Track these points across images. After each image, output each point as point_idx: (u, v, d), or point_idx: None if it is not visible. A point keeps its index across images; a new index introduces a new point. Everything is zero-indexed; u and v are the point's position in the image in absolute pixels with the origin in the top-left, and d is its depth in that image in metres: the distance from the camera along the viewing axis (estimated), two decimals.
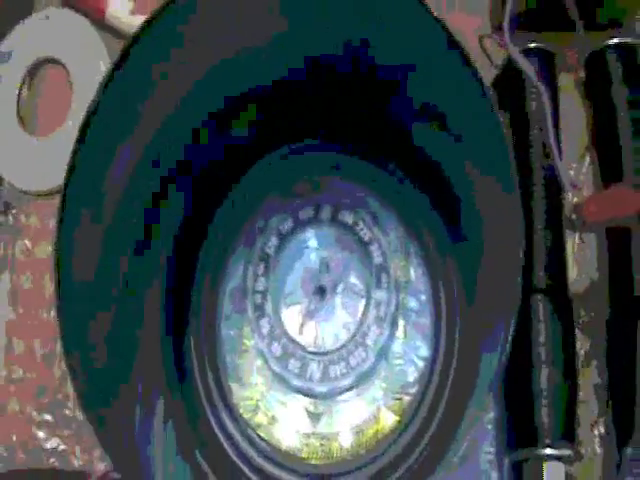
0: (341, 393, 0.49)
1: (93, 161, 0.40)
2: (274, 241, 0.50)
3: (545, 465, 0.43)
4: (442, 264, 0.48)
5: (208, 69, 0.42)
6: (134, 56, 0.39)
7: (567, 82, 0.49)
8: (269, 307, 0.49)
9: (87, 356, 0.39)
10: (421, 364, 0.48)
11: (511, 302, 0.36)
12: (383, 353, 0.48)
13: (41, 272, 0.56)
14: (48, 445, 0.53)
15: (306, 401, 0.49)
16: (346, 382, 0.48)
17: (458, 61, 0.36)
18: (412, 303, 0.49)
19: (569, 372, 0.44)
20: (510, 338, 0.35)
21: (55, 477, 0.51)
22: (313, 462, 0.48)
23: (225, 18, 0.40)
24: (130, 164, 0.42)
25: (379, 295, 0.48)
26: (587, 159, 0.49)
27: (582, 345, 0.47)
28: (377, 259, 0.49)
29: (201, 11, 0.39)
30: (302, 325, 0.50)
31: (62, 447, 0.53)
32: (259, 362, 0.50)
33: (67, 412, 0.54)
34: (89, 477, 0.47)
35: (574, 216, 0.46)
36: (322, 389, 0.48)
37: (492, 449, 0.47)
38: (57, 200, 0.53)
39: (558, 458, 0.42)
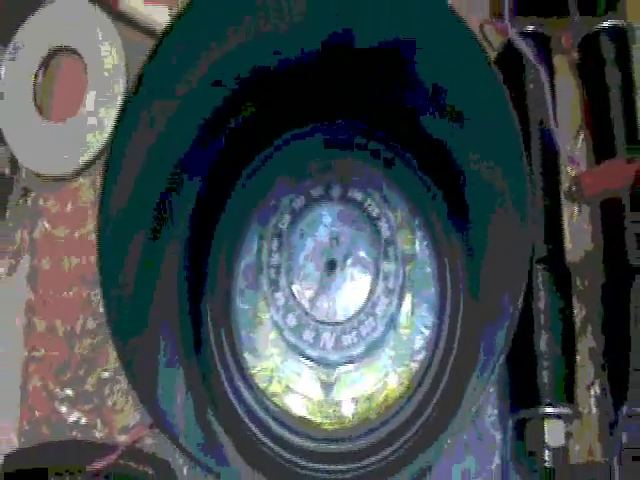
0: (352, 362, 0.51)
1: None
2: (287, 218, 0.52)
3: (546, 423, 0.45)
4: (447, 239, 0.51)
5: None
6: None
7: (561, 64, 0.52)
8: (283, 281, 0.52)
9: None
10: (427, 333, 0.50)
11: (518, 277, 0.39)
12: (392, 323, 0.51)
13: (60, 254, 0.57)
14: (70, 419, 0.55)
15: (319, 370, 0.51)
16: (357, 350, 0.50)
17: (464, 37, 0.38)
18: (418, 275, 0.51)
19: (567, 337, 0.47)
20: (517, 314, 0.38)
21: (81, 449, 0.52)
22: (326, 427, 0.50)
23: None
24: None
25: (387, 267, 0.51)
26: (581, 138, 0.52)
27: (578, 312, 0.49)
28: (385, 233, 0.51)
29: None
30: (315, 297, 0.52)
31: (84, 420, 0.54)
32: (273, 334, 0.52)
33: (88, 387, 0.55)
34: (116, 449, 0.49)
35: (573, 187, 0.49)
36: (335, 357, 0.51)
37: (495, 411, 0.50)
38: (74, 183, 0.56)
39: (558, 416, 0.45)
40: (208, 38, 0.43)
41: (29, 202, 0.59)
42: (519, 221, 0.39)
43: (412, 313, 0.51)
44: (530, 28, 0.50)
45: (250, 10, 0.42)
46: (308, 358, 0.51)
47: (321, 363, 0.51)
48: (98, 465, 0.47)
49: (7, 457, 0.51)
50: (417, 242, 0.52)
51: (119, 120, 0.41)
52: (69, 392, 0.55)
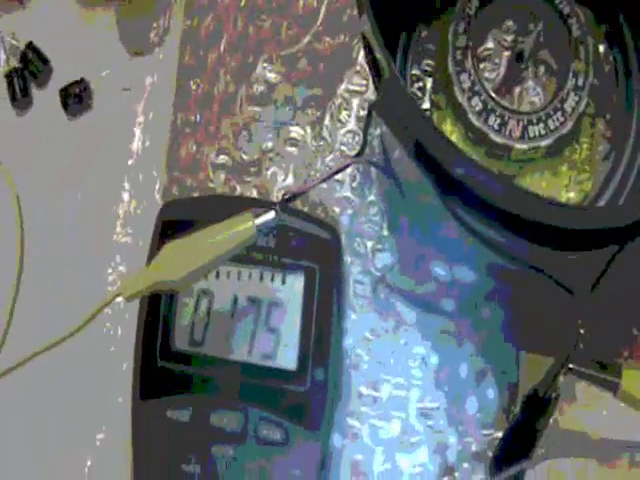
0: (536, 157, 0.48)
1: None
2: (475, 2, 0.49)
3: None
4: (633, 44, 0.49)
5: None
6: None
7: None
8: (469, 63, 0.48)
9: None
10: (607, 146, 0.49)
11: None
12: (580, 121, 0.48)
13: None
14: None
15: (499, 163, 0.48)
16: (545, 142, 0.48)
17: None
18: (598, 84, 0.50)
19: None
20: None
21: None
22: None
23: None
24: None
25: (577, 66, 0.48)
26: None
27: None
28: (576, 32, 0.49)
29: None
30: (501, 86, 0.49)
31: None
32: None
33: None
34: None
35: None
36: (522, 146, 0.47)
37: None
38: None
39: None
40: None
41: None
42: None
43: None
44: None
45: None
46: (493, 146, 0.47)
47: (503, 156, 0.47)
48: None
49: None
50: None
51: None
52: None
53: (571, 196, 0.49)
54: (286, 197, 0.40)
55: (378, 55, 0.32)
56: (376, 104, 0.34)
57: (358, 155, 0.40)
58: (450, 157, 0.33)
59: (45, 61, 0.54)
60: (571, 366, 0.39)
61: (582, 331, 0.38)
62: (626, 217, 0.35)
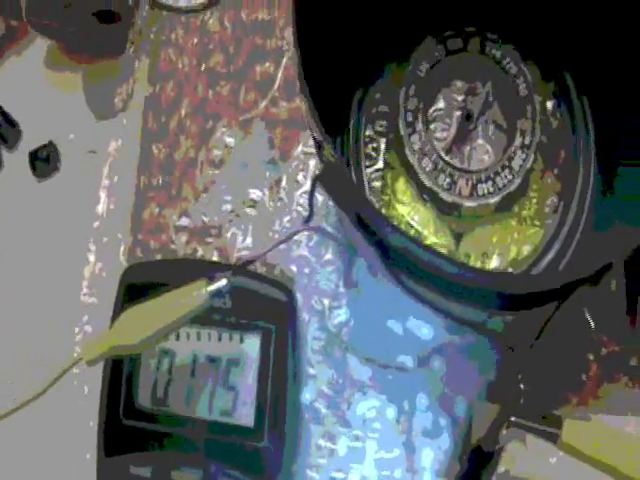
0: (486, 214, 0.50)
1: None
2: (425, 66, 0.51)
3: None
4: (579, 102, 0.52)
5: None
6: None
7: None
8: (419, 125, 0.50)
9: None
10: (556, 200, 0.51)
11: None
12: (528, 177, 0.50)
13: None
14: None
15: (450, 220, 0.50)
16: (493, 200, 0.50)
17: None
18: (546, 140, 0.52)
19: None
20: None
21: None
22: None
23: None
24: None
25: (524, 125, 0.51)
26: None
27: None
28: (523, 92, 0.51)
29: None
30: (450, 146, 0.51)
31: None
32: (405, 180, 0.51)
33: None
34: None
35: None
36: (471, 204, 0.49)
37: None
38: None
39: None
40: None
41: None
42: None
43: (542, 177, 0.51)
44: None
45: None
46: (442, 205, 0.49)
47: (452, 213, 0.50)
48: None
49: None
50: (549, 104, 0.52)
51: None
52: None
53: (521, 249, 0.51)
54: (240, 264, 0.41)
55: (317, 137, 0.34)
56: (318, 177, 0.36)
57: (307, 222, 0.42)
58: (385, 230, 0.35)
59: (13, 124, 0.56)
60: (513, 419, 0.40)
61: (522, 386, 0.40)
62: (556, 281, 0.37)
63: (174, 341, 0.47)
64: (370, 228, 0.37)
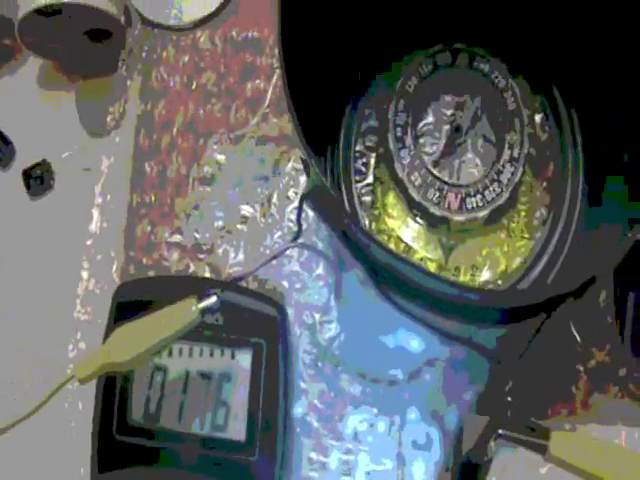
0: (475, 227, 0.50)
1: None
2: (414, 81, 0.52)
3: None
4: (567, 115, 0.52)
5: None
6: None
7: None
8: (409, 140, 0.51)
9: None
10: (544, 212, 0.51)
11: None
12: (517, 190, 0.51)
13: None
14: None
15: (439, 233, 0.50)
16: (482, 213, 0.50)
17: None
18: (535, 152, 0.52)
19: None
20: None
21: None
22: None
23: None
24: None
25: (512, 138, 0.51)
26: None
27: None
28: (511, 105, 0.52)
29: None
30: (441, 159, 0.51)
31: None
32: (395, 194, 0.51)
33: None
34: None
35: None
36: (460, 218, 0.50)
37: None
38: None
39: None
40: None
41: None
42: None
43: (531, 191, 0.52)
44: None
45: None
46: (431, 219, 0.50)
47: (442, 226, 0.50)
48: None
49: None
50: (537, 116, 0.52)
51: None
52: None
53: (511, 262, 0.51)
54: (230, 280, 0.42)
55: (303, 157, 0.35)
56: (305, 195, 0.37)
57: (295, 239, 0.42)
58: (370, 247, 0.35)
59: (7, 142, 0.57)
60: (501, 432, 0.41)
61: (509, 399, 0.40)
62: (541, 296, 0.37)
63: (166, 357, 0.47)
64: (357, 244, 0.38)
